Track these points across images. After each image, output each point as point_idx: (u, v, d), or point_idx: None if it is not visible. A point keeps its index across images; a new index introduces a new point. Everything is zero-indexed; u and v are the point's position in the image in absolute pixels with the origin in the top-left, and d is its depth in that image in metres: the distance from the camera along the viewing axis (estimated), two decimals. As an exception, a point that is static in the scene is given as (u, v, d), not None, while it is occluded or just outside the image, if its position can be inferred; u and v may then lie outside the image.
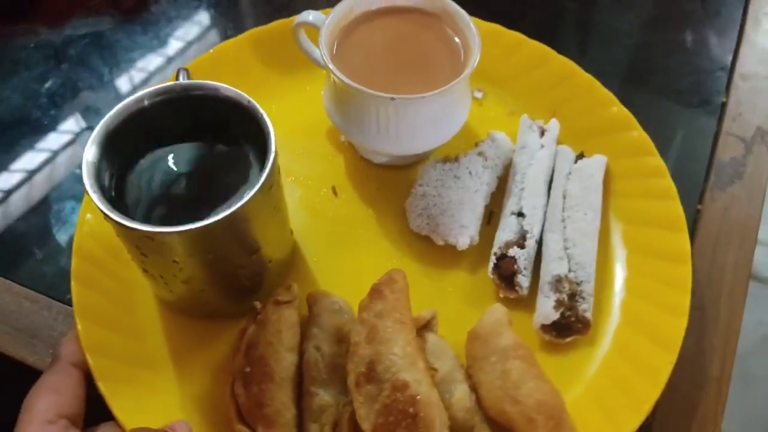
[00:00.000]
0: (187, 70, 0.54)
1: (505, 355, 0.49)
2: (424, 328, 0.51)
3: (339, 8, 0.58)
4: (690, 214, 0.63)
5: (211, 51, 0.67)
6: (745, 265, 0.61)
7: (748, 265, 0.61)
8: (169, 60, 0.76)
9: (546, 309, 0.52)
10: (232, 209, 0.42)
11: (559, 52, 0.68)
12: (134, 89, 0.73)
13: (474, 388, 0.50)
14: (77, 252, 0.55)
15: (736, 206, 0.65)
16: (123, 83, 0.74)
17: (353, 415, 0.46)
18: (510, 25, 0.70)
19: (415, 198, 0.59)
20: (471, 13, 0.58)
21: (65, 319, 0.57)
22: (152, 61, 0.76)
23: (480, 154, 0.61)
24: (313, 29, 0.59)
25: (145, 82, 0.74)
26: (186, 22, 0.80)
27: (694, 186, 0.66)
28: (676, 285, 0.53)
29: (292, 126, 0.66)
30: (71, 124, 0.71)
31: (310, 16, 0.60)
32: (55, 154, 0.69)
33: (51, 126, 0.71)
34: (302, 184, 0.63)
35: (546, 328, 0.53)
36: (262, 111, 0.47)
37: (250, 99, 0.48)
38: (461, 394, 0.48)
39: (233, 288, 0.51)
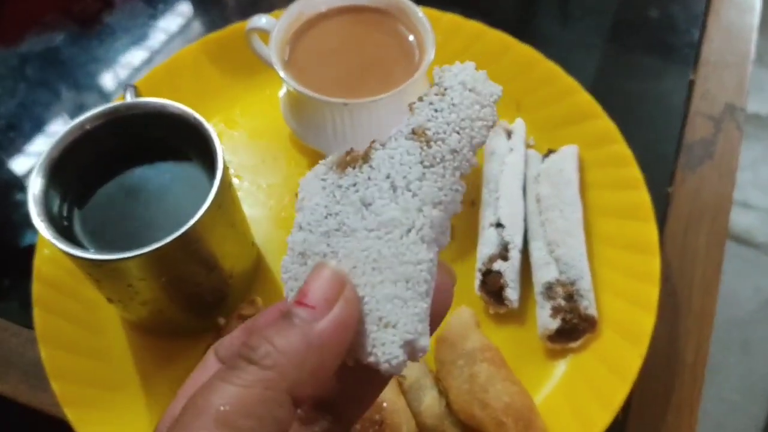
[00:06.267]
0: (134, 86, 0.52)
1: (472, 358, 0.49)
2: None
3: (287, 13, 0.57)
4: (661, 198, 0.62)
5: (166, 61, 0.66)
6: (717, 247, 0.60)
7: (721, 247, 0.61)
8: (128, 73, 0.75)
9: (544, 319, 0.51)
10: (177, 233, 0.41)
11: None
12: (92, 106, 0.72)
13: (443, 393, 0.49)
14: (38, 276, 0.54)
15: (707, 187, 0.64)
16: (83, 100, 0.73)
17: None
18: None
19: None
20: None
21: (35, 345, 0.56)
22: (109, 75, 0.75)
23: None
24: (267, 34, 0.58)
25: (105, 98, 0.73)
26: (143, 32, 0.79)
27: (664, 168, 0.65)
28: (645, 278, 0.52)
29: (253, 131, 0.65)
30: (34, 146, 0.70)
31: (262, 20, 0.59)
32: (18, 178, 0.68)
33: (11, 149, 0.70)
34: (265, 191, 0.62)
35: (553, 338, 0.51)
36: (209, 127, 0.46)
37: (197, 115, 0.47)
38: (430, 400, 0.48)
39: (195, 305, 0.51)
